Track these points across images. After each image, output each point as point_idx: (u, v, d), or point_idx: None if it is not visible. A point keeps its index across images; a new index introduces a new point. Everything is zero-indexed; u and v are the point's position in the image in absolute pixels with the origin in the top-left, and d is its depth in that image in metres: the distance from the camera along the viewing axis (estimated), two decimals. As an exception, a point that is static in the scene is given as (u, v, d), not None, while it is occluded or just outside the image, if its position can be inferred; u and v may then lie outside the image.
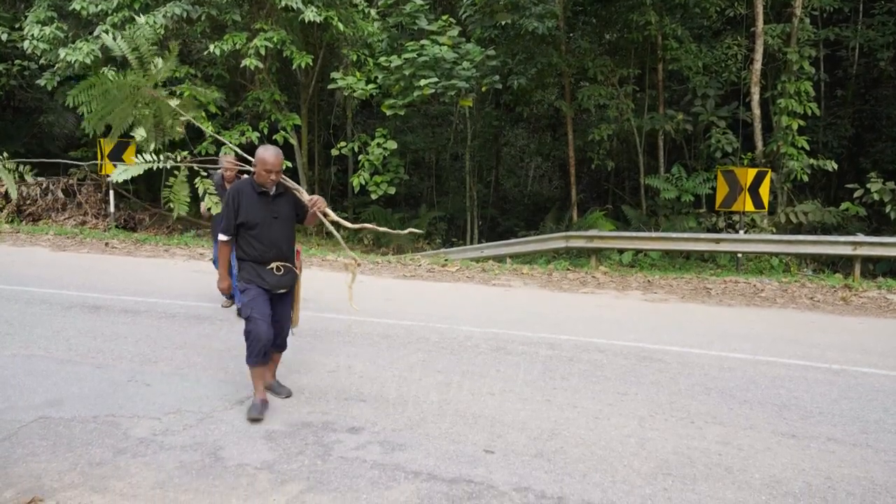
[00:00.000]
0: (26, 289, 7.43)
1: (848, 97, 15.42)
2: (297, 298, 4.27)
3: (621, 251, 11.74)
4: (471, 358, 5.35)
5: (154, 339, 5.61)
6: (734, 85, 14.70)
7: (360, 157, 13.45)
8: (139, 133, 4.05)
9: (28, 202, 14.30)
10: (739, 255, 10.79)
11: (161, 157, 3.85)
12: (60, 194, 14.45)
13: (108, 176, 13.35)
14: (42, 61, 12.91)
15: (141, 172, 3.80)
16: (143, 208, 15.34)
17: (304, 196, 4.00)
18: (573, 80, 14.96)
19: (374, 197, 13.33)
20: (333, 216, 4.11)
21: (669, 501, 3.13)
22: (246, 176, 5.65)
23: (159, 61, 4.15)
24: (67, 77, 13.03)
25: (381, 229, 4.51)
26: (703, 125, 13.92)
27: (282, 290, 4.03)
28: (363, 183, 13.15)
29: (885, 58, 14.05)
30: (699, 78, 13.68)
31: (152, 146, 4.04)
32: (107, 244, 11.48)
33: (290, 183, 4.03)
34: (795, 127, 12.20)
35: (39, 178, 14.51)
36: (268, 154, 3.84)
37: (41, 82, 12.95)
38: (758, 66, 12.64)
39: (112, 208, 13.77)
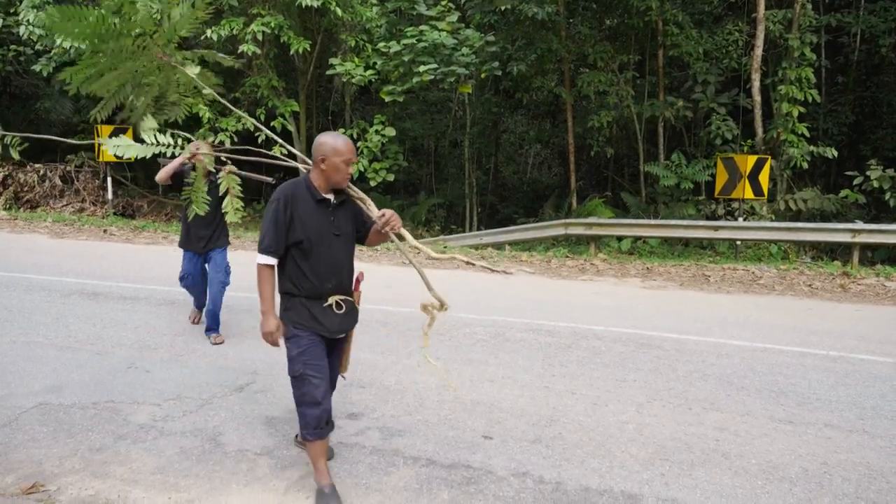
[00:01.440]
0: (25, 276, 7.43)
1: (849, 84, 15.35)
2: (350, 340, 3.25)
3: (620, 238, 11.73)
4: (469, 345, 5.37)
5: (153, 326, 5.62)
6: (735, 71, 14.62)
7: (359, 143, 13.39)
8: (147, 123, 3.14)
9: (26, 189, 14.25)
10: (738, 242, 10.79)
11: (179, 140, 3.01)
12: (58, 181, 14.41)
13: (107, 163, 13.31)
14: (38, 47, 12.81)
15: (147, 156, 3.00)
16: (142, 195, 15.30)
17: (373, 209, 2.94)
18: (573, 67, 14.87)
19: (372, 184, 13.30)
20: (412, 240, 2.97)
21: (667, 487, 3.15)
22: (260, 177, 5.23)
23: (176, 12, 3.07)
24: (63, 63, 12.91)
25: (480, 263, 3.09)
26: (703, 112, 13.86)
27: (341, 335, 3.05)
28: (362, 170, 13.11)
29: (887, 44, 13.95)
30: (700, 64, 13.60)
31: (150, 126, 3.18)
32: (105, 231, 11.46)
33: (356, 191, 3.01)
34: (796, 114, 12.15)
35: (37, 165, 14.46)
36: (340, 141, 2.83)
37: (37, 68, 12.85)
38: (759, 52, 12.56)
39: (110, 195, 13.74)
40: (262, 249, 2.85)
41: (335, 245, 2.91)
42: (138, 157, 3.40)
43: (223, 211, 3.32)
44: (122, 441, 3.48)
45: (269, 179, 5.15)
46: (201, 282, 5.45)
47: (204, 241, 5.23)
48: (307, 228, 2.83)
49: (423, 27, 12.31)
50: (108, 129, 12.75)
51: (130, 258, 9.08)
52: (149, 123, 3.09)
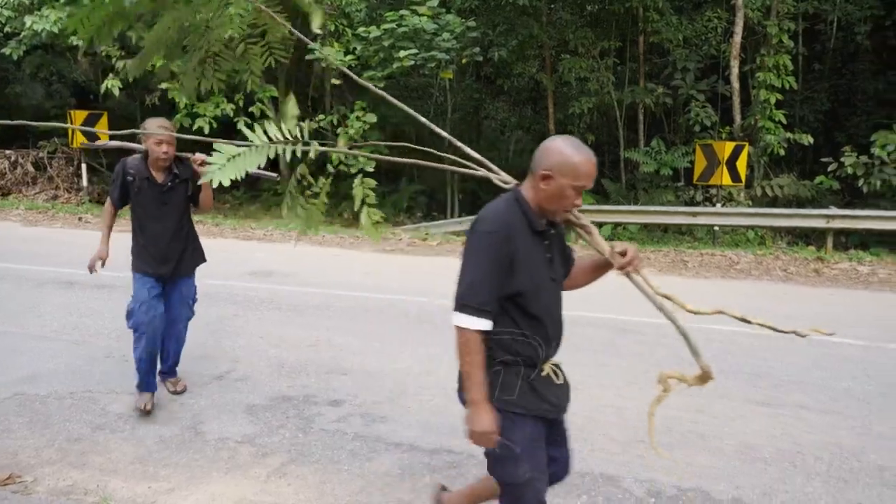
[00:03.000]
0: (-3, 264, 7.27)
1: (825, 71, 15.53)
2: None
3: (600, 224, 11.80)
4: (450, 331, 5.37)
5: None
6: (714, 58, 14.70)
7: (339, 130, 13.28)
8: (290, 109, 2.15)
9: (-3, 176, 13.92)
10: (716, 228, 10.93)
11: (301, 131, 2.12)
12: (30, 168, 14.07)
13: (80, 148, 13.00)
14: (7, 29, 12.44)
15: (261, 164, 2.05)
16: (117, 182, 15.00)
17: (601, 242, 2.12)
18: (554, 53, 14.84)
19: (353, 171, 13.22)
20: (656, 285, 2.10)
21: (645, 468, 3.21)
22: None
23: None
24: (34, 46, 12.58)
25: (757, 321, 2.25)
26: (682, 99, 13.95)
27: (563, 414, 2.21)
28: (342, 157, 13.01)
29: (863, 32, 14.12)
30: (680, 51, 13.66)
31: (293, 114, 2.15)
32: (80, 219, 11.25)
33: (578, 216, 2.15)
34: (773, 101, 12.28)
35: (7, 151, 14.12)
36: (582, 157, 1.93)
37: (6, 51, 12.50)
38: (737, 39, 12.65)
39: (85, 182, 13.46)
40: (474, 307, 1.96)
41: (553, 293, 2.09)
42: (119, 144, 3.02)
43: (368, 223, 2.31)
44: (101, 431, 3.44)
45: (274, 175, 4.04)
46: (161, 321, 3.62)
47: (172, 262, 3.66)
48: (531, 273, 1.98)
49: (403, 12, 12.18)
50: (81, 114, 12.48)
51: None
52: (291, 110, 2.14)
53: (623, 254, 2.04)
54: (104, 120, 12.45)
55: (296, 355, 4.67)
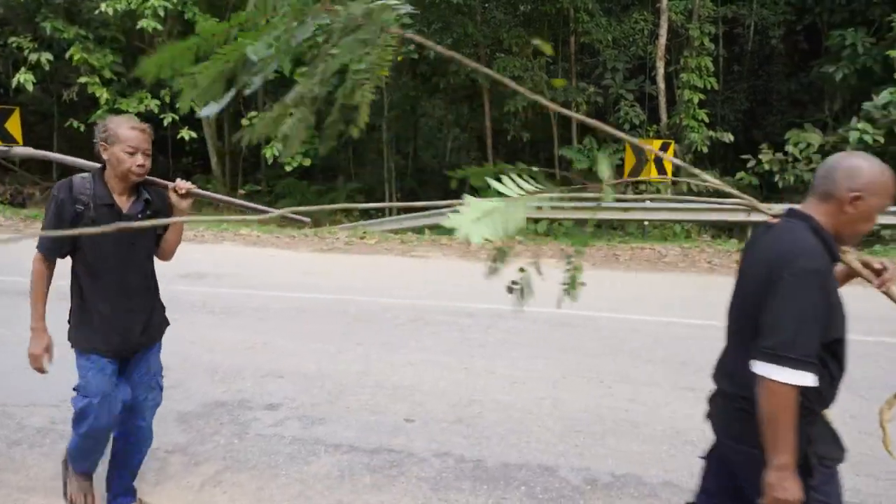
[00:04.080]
0: None
1: (743, 73, 16.37)
2: None
3: (536, 220, 12.05)
4: (390, 329, 5.37)
5: (48, 322, 5.23)
6: (641, 59, 15.25)
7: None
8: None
9: None
10: (646, 222, 11.35)
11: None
12: (-67, 167, 13.08)
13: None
14: None
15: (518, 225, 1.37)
16: (33, 182, 14.15)
17: (854, 261, 1.95)
18: (489, 52, 15.01)
19: (288, 169, 12.98)
20: None
21: (581, 457, 3.30)
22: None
23: None
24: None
25: None
26: (612, 98, 14.39)
27: None
28: (276, 154, 12.73)
29: (777, 36, 14.99)
30: (609, 51, 14.09)
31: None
32: (-9, 222, 10.54)
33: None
34: (696, 100, 12.87)
35: None
36: (891, 173, 1.80)
37: None
38: (662, 41, 13.17)
39: (-4, 182, 12.62)
40: (797, 359, 1.66)
41: None
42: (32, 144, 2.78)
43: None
44: (17, 447, 3.24)
45: (306, 220, 3.08)
46: (118, 418, 2.65)
47: (136, 330, 2.63)
48: (842, 313, 1.80)
49: (337, 6, 12.02)
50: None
51: (20, 250, 8.36)
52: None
53: (880, 271, 1.89)
54: (16, 116, 11.69)
55: (231, 360, 4.54)
